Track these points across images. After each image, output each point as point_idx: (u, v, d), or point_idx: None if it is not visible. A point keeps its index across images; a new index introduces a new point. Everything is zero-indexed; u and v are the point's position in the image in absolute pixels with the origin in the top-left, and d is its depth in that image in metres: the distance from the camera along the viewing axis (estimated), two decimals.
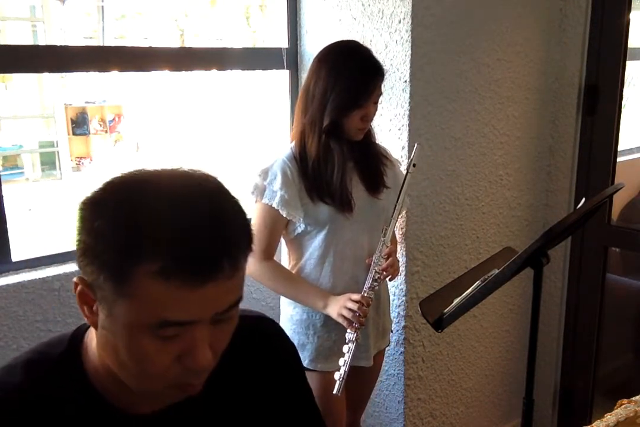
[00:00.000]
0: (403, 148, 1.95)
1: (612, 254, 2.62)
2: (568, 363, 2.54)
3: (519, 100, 2.26)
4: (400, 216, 1.86)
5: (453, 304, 1.36)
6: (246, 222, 0.71)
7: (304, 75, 1.96)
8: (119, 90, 6.22)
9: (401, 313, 2.07)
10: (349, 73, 1.59)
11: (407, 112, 1.91)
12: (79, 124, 6.13)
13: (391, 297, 2.00)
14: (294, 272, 1.75)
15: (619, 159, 2.32)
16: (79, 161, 6.21)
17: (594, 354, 2.45)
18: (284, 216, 1.63)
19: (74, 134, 6.13)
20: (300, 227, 1.68)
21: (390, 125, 1.97)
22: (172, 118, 5.88)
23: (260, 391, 0.88)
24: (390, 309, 1.94)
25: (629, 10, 2.16)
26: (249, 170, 1.75)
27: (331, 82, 1.59)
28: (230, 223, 0.68)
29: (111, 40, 5.96)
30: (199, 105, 5.45)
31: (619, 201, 2.88)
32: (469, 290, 1.36)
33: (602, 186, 2.26)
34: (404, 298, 2.06)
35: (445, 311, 1.35)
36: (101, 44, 5.90)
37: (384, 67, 1.65)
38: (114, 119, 6.31)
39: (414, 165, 1.67)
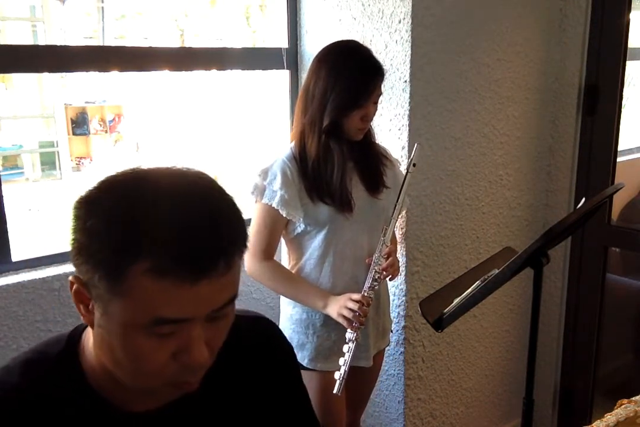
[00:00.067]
0: (403, 148, 1.95)
1: (612, 254, 2.62)
2: (568, 363, 2.54)
3: (519, 100, 2.26)
4: (400, 216, 1.86)
5: (453, 304, 1.36)
6: (241, 220, 0.72)
7: (304, 75, 1.96)
8: (119, 90, 6.21)
9: (401, 313, 2.07)
10: (349, 73, 1.59)
11: (407, 112, 1.91)
12: (79, 124, 6.12)
13: (391, 297, 2.00)
14: (293, 272, 1.75)
15: (619, 159, 2.32)
16: (79, 161, 6.21)
17: (594, 354, 2.45)
18: (284, 215, 1.63)
19: (74, 134, 6.12)
20: (300, 227, 1.68)
21: (390, 125, 1.97)
22: (172, 118, 5.88)
23: (257, 390, 0.88)
24: (390, 309, 1.94)
25: (629, 10, 2.16)
26: (249, 170, 1.75)
27: (331, 82, 1.59)
28: (225, 220, 0.68)
29: (111, 40, 5.96)
30: (199, 105, 5.45)
31: (619, 201, 2.88)
32: (469, 290, 1.36)
33: (602, 186, 2.26)
34: (404, 298, 2.06)
35: (445, 311, 1.35)
36: (101, 44, 5.90)
37: (384, 67, 1.65)
38: (114, 119, 6.31)
39: (414, 165, 1.67)
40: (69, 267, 1.70)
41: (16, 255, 1.68)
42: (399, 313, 2.08)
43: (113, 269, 0.65)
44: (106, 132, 6.27)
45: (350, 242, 1.70)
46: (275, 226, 1.67)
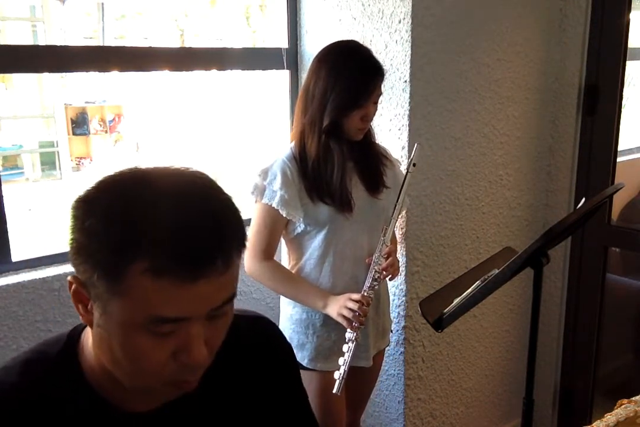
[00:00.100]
0: (403, 148, 1.95)
1: (612, 254, 2.62)
2: (568, 363, 2.54)
3: (519, 100, 2.26)
4: (400, 216, 1.86)
5: (453, 304, 1.36)
6: (239, 219, 0.72)
7: (304, 75, 1.96)
8: (119, 90, 6.21)
9: (401, 313, 2.07)
10: (349, 73, 1.59)
11: (407, 112, 1.91)
12: (79, 124, 6.12)
13: (391, 297, 2.00)
14: (293, 272, 1.75)
15: (619, 159, 2.32)
16: (79, 161, 6.21)
17: (594, 354, 2.45)
18: (284, 215, 1.63)
19: (74, 134, 6.12)
20: (300, 227, 1.68)
21: (390, 125, 1.97)
22: (172, 118, 5.88)
23: (256, 390, 0.89)
24: (390, 309, 1.94)
25: (629, 10, 2.16)
26: (249, 170, 1.75)
27: (331, 82, 1.59)
28: (223, 219, 0.69)
29: (111, 40, 5.96)
30: (199, 105, 5.45)
31: (619, 201, 2.88)
32: (469, 290, 1.36)
33: (602, 186, 2.26)
34: (404, 298, 2.06)
35: (445, 311, 1.35)
36: (101, 44, 5.90)
37: (384, 67, 1.65)
38: (114, 119, 6.31)
39: (414, 164, 1.67)
40: (69, 268, 1.70)
41: (16, 255, 1.68)
42: (399, 313, 2.08)
43: (112, 268, 0.65)
44: (106, 132, 6.27)
45: (350, 242, 1.70)
46: (275, 226, 1.67)
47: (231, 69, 2.02)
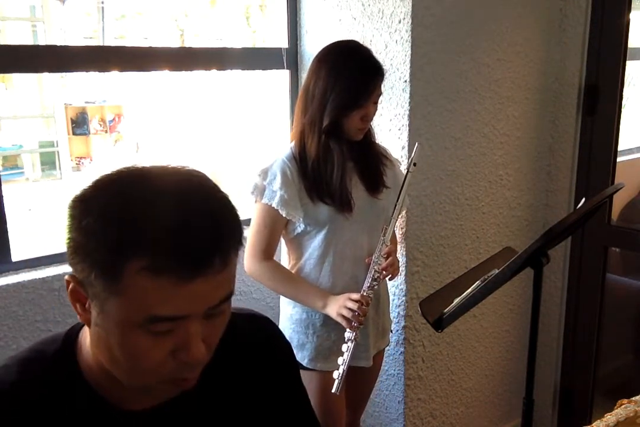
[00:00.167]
0: (403, 148, 1.95)
1: (612, 254, 2.62)
2: (568, 363, 2.54)
3: (519, 100, 2.26)
4: (400, 216, 1.86)
5: (453, 304, 1.36)
6: (236, 217, 0.72)
7: (304, 75, 1.96)
8: (119, 90, 6.21)
9: (401, 313, 2.07)
10: (349, 73, 1.59)
11: (407, 112, 1.91)
12: (79, 124, 6.12)
13: (391, 297, 2.00)
14: (293, 272, 1.75)
15: (619, 159, 2.32)
16: (79, 161, 6.21)
17: (594, 354, 2.45)
18: (284, 215, 1.63)
19: (74, 134, 6.12)
20: (300, 227, 1.68)
21: (390, 125, 1.97)
22: (172, 118, 5.88)
23: (255, 388, 0.89)
24: (390, 309, 1.94)
25: (629, 10, 2.16)
26: (249, 170, 1.75)
27: (331, 82, 1.59)
28: (219, 217, 0.69)
29: (111, 40, 5.95)
30: (199, 106, 5.45)
31: (619, 201, 2.88)
32: (469, 290, 1.36)
33: (602, 186, 2.26)
34: (404, 298, 2.06)
35: (445, 311, 1.35)
36: (101, 44, 5.90)
37: (384, 67, 1.65)
38: (114, 119, 6.31)
39: (415, 164, 1.67)
40: (69, 267, 1.68)
41: (16, 255, 1.68)
42: (399, 313, 2.08)
43: (109, 267, 0.65)
44: (106, 132, 6.26)
45: (350, 242, 1.70)
46: (275, 225, 1.67)
47: (231, 69, 2.03)
